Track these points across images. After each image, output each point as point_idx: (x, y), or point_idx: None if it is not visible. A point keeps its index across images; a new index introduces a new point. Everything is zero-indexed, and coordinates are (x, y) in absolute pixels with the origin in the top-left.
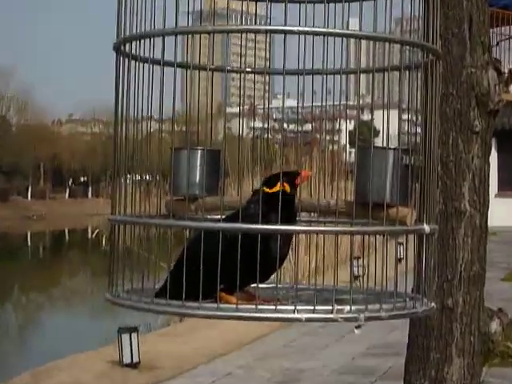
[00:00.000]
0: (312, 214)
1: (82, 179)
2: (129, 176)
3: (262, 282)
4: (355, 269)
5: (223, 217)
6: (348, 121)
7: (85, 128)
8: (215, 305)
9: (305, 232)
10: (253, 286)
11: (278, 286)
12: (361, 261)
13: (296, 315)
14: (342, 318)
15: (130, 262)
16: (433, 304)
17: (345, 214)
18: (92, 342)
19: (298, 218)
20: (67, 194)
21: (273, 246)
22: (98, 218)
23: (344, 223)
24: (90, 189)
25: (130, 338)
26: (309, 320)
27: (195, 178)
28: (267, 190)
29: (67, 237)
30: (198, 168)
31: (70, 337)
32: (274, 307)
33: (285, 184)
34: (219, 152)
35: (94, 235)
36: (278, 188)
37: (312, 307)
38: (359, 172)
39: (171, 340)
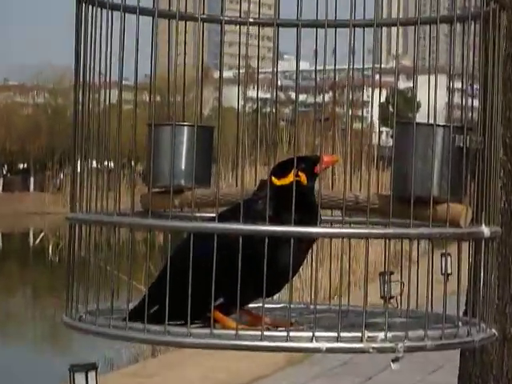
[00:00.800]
0: (333, 211)
1: (20, 166)
2: (93, 162)
3: (269, 296)
4: (390, 285)
5: (219, 215)
6: (380, 90)
7: (24, 98)
8: (208, 330)
9: (325, 235)
10: (256, 305)
11: (291, 305)
12: (397, 274)
13: (314, 344)
14: (374, 347)
15: (95, 274)
16: (493, 331)
17: (377, 212)
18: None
19: (319, 218)
20: (1, 187)
21: (284, 254)
22: (43, 218)
23: (376, 224)
24: (32, 179)
25: (86, 379)
26: (331, 350)
27: (180, 163)
28: (277, 181)
29: (1, 243)
30: (185, 150)
31: (6, 378)
32: (285, 334)
33: (300, 173)
34: (212, 130)
35: (37, 241)
36: (290, 179)
37: (335, 334)
38: (397, 157)
39: (140, 382)
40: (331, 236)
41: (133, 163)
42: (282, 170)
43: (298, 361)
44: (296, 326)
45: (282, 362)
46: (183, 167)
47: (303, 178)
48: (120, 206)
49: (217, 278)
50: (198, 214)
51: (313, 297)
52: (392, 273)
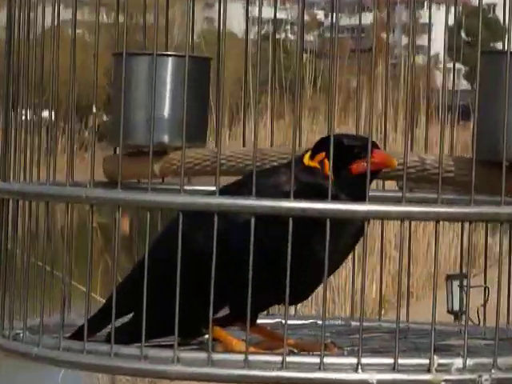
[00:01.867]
0: (385, 184)
1: None
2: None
3: (293, 303)
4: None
5: (221, 188)
6: (447, 7)
7: None
8: (204, 354)
9: (375, 216)
10: (272, 321)
11: (324, 321)
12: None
13: (360, 375)
14: (447, 380)
15: (38, 274)
16: None
17: (452, 184)
18: None
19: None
20: None
21: (316, 243)
22: None
23: (451, 202)
24: None
25: None
26: None
27: (163, 111)
28: (308, 159)
29: None
30: (169, 93)
31: None
32: (317, 360)
33: (326, 162)
34: (209, 63)
35: None
36: (315, 163)
37: (390, 360)
38: (482, 104)
39: None
40: (384, 216)
41: (94, 110)
42: (319, 147)
43: None
44: (332, 350)
45: None
46: (166, 117)
47: (327, 168)
48: (73, 175)
49: (218, 278)
50: (188, 187)
51: (356, 310)
52: (465, 276)
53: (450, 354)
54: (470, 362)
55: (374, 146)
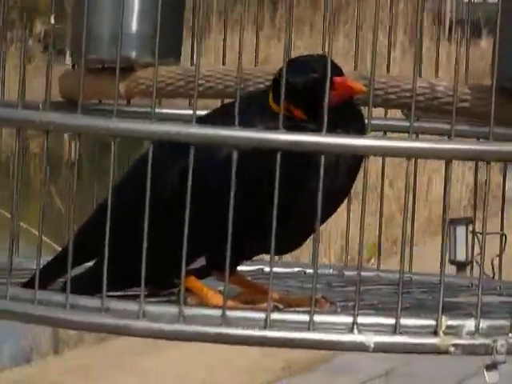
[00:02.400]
0: (389, 112)
1: None
2: None
3: (282, 252)
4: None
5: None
6: None
7: None
8: (175, 308)
9: (375, 152)
10: (255, 268)
11: (317, 270)
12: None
13: (356, 336)
14: (456, 345)
15: None
16: None
17: (468, 115)
18: None
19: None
20: None
21: (309, 182)
22: None
23: (464, 136)
24: None
25: None
26: (383, 348)
27: (130, 21)
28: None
29: None
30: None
31: None
32: (306, 317)
33: (293, 109)
34: None
35: None
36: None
37: (392, 320)
38: (504, 21)
39: None
40: (386, 152)
41: (52, 20)
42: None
43: (318, 362)
44: (323, 306)
45: (295, 366)
46: (134, 28)
47: (299, 113)
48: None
49: (193, 221)
50: (158, 111)
51: (352, 258)
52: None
53: (460, 314)
54: (483, 324)
55: (334, 72)
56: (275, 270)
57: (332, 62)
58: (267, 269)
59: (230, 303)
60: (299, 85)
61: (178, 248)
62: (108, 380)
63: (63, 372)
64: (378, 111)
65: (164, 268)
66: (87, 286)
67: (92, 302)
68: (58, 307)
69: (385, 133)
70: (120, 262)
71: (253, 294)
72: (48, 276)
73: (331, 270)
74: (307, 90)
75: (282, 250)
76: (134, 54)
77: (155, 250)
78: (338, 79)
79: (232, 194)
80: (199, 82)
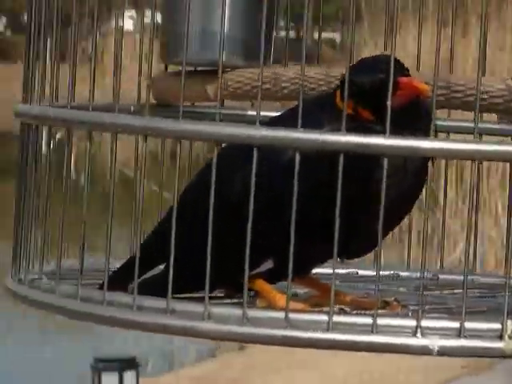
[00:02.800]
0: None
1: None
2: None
3: (352, 256)
4: None
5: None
6: None
7: None
8: (238, 310)
9: (438, 154)
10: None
11: (382, 273)
12: None
13: (420, 340)
14: None
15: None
16: None
17: None
18: None
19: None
20: None
21: (375, 184)
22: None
23: None
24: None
25: (121, 382)
26: (447, 352)
27: (217, 23)
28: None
29: None
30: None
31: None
32: (369, 320)
33: (360, 110)
34: None
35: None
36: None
37: (456, 324)
38: None
39: None
40: (451, 155)
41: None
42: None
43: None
44: (395, 309)
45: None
46: (226, 30)
47: (366, 114)
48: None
49: (258, 225)
50: (250, 112)
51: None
52: None
53: None
54: None
55: (400, 72)
56: (367, 272)
57: (399, 62)
58: (361, 272)
59: (297, 306)
60: (365, 85)
61: (243, 251)
62: (287, 377)
63: (244, 368)
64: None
65: (231, 270)
66: (157, 289)
67: (159, 303)
68: (126, 308)
69: (448, 134)
70: (188, 265)
71: (324, 296)
72: (120, 279)
73: (426, 273)
74: (373, 91)
75: (353, 253)
76: (223, 57)
77: (222, 253)
78: (403, 79)
79: (294, 197)
80: (284, 84)
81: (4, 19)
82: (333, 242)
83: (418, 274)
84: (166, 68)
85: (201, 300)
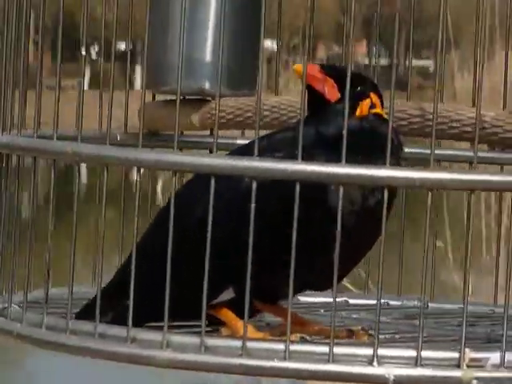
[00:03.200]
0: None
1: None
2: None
3: (321, 288)
4: None
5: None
6: None
7: None
8: (196, 338)
9: (400, 183)
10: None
11: (335, 301)
12: None
13: (376, 369)
14: (479, 378)
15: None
16: None
17: None
18: None
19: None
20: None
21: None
22: None
23: None
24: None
25: None
26: (402, 381)
27: (203, 53)
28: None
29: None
30: (212, 30)
31: None
32: (326, 349)
33: (375, 101)
34: None
35: None
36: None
37: (413, 353)
38: None
39: None
40: (406, 184)
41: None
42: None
43: None
44: (361, 338)
45: None
46: (208, 58)
47: (379, 107)
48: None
49: (217, 252)
50: (239, 141)
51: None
52: None
53: (489, 347)
54: (509, 356)
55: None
56: (358, 301)
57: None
58: (352, 301)
59: (257, 334)
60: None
61: (202, 279)
62: None
63: None
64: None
65: (192, 299)
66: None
67: (120, 331)
68: (88, 337)
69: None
70: (149, 295)
71: (292, 325)
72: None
73: (416, 302)
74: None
75: (316, 285)
76: (207, 85)
77: (182, 281)
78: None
79: (251, 224)
80: (265, 113)
81: (96, 47)
82: (295, 271)
83: (409, 303)
84: (154, 97)
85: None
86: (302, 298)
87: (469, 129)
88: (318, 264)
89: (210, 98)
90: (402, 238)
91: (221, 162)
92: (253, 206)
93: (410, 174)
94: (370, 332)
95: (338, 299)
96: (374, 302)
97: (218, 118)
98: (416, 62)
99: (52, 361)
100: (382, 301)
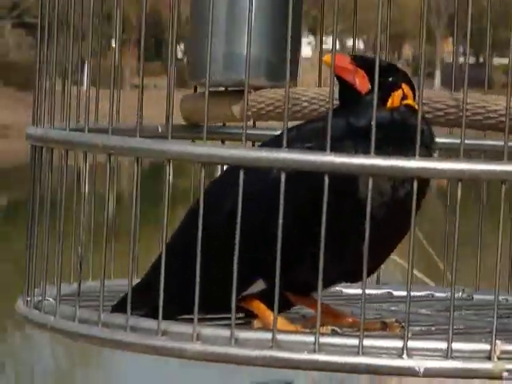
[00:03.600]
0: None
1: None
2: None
3: (354, 280)
4: None
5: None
6: None
7: None
8: (226, 331)
9: (430, 174)
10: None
11: (365, 293)
12: None
13: (405, 361)
14: (510, 370)
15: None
16: None
17: None
18: None
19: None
20: None
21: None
22: None
23: None
24: None
25: None
26: (432, 374)
27: (241, 44)
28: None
29: None
30: (254, 19)
31: None
32: (356, 342)
33: (407, 92)
34: None
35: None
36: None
37: (443, 344)
38: None
39: None
40: (436, 175)
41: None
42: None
43: None
44: (394, 330)
45: None
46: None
47: (411, 99)
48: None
49: (247, 244)
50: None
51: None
52: None
53: None
54: None
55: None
56: (402, 293)
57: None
58: (396, 292)
59: (288, 326)
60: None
61: (232, 271)
62: None
63: None
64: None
65: (222, 291)
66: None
67: (151, 324)
68: (119, 330)
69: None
70: (180, 289)
71: (325, 317)
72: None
73: (460, 294)
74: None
75: (349, 277)
76: (243, 77)
77: (212, 275)
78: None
79: (280, 216)
80: (304, 104)
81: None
82: (325, 264)
83: (443, 295)
84: (196, 89)
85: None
86: (344, 290)
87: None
88: (348, 256)
89: (251, 90)
90: (479, 231)
91: (248, 153)
92: (282, 197)
93: (440, 165)
94: (403, 324)
95: (380, 291)
96: (419, 293)
97: (257, 110)
98: (500, 61)
99: (130, 361)
100: (427, 292)
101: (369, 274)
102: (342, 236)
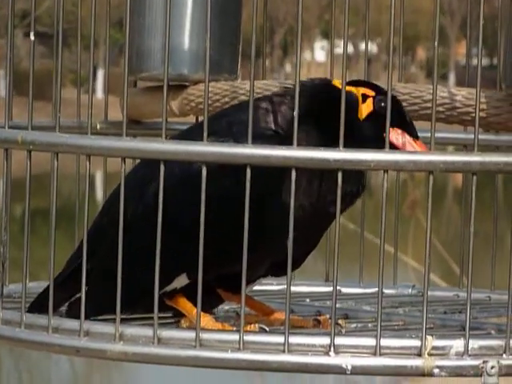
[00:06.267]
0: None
1: None
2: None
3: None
4: None
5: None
6: None
7: None
8: (149, 330)
9: (376, 167)
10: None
11: (289, 289)
12: None
13: (332, 359)
14: (440, 367)
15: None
16: None
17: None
18: None
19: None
20: None
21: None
22: None
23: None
24: None
25: None
26: (360, 371)
27: (183, 37)
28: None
29: None
30: (190, 16)
31: None
32: (281, 339)
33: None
34: None
35: None
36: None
37: (372, 341)
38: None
39: None
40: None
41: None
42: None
43: None
44: (327, 326)
45: None
46: (186, 44)
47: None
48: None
49: (168, 238)
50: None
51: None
52: None
53: (452, 334)
54: (473, 344)
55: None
56: (351, 290)
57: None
58: (344, 290)
59: (215, 325)
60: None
61: (154, 266)
62: None
63: None
64: None
65: (145, 288)
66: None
67: (74, 325)
68: (41, 331)
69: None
70: (102, 287)
71: (256, 315)
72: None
73: (410, 290)
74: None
75: (274, 273)
76: (185, 71)
77: (135, 272)
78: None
79: (202, 209)
80: (242, 96)
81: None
82: (252, 257)
83: (404, 291)
84: (135, 84)
85: (123, 321)
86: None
87: (440, 109)
88: (272, 250)
89: (188, 84)
90: (494, 233)
91: (170, 147)
92: (203, 190)
93: (363, 156)
94: (338, 321)
95: (328, 289)
96: (369, 290)
97: (196, 104)
98: None
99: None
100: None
101: (293, 269)
102: (266, 230)
